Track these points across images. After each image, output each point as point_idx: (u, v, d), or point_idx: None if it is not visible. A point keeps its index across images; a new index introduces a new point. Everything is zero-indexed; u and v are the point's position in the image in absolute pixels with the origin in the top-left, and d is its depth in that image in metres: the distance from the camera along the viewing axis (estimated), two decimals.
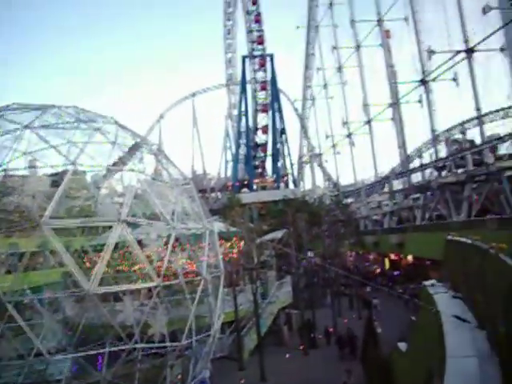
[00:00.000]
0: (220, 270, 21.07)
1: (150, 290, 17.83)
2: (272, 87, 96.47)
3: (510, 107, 63.33)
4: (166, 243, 17.92)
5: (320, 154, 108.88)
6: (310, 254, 53.31)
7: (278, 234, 43.61)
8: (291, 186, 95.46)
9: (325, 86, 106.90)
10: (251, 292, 32.87)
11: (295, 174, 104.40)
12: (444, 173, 63.82)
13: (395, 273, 62.83)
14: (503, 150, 62.99)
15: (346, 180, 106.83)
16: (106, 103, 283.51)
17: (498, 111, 62.63)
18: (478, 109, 59.79)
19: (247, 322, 35.15)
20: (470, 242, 10.27)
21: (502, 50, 63.12)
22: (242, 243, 35.54)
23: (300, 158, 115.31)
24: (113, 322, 16.91)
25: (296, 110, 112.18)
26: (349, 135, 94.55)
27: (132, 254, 18.86)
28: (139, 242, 18.01)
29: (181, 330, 18.32)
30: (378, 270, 68.07)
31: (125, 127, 19.50)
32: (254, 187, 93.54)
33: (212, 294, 19.79)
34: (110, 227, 16.28)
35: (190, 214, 20.19)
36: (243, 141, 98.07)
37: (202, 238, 20.02)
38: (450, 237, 14.25)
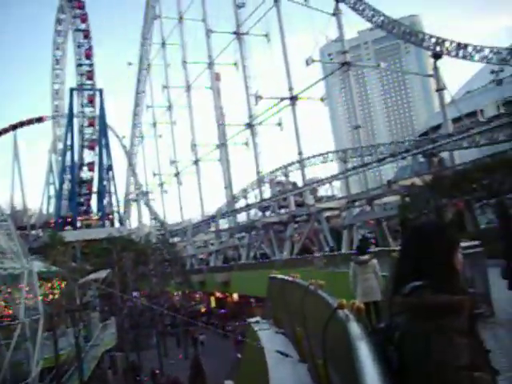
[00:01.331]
0: (39, 312, 19.92)
1: None
2: (100, 123, 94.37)
3: (328, 152, 67.72)
4: None
5: (147, 192, 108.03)
6: (135, 293, 52.25)
7: (103, 274, 42.27)
8: (117, 224, 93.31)
9: (154, 124, 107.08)
10: (73, 335, 31.34)
11: (121, 212, 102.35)
12: (268, 213, 66.41)
13: (221, 311, 63.54)
14: (322, 192, 67.18)
15: (173, 219, 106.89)
16: None
17: (318, 156, 66.66)
18: (300, 153, 63.29)
19: (69, 366, 33.35)
20: (290, 279, 10.70)
21: (322, 99, 67.75)
22: (64, 284, 33.96)
23: (127, 195, 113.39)
24: None
25: (124, 146, 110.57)
26: (176, 174, 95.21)
27: None
28: None
29: None
30: (204, 309, 68.39)
31: None
32: (78, 225, 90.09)
33: (30, 338, 18.61)
34: None
35: (6, 253, 18.97)
36: (68, 176, 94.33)
37: (19, 278, 18.84)
38: (272, 274, 14.73)
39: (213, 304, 70.14)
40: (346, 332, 3.25)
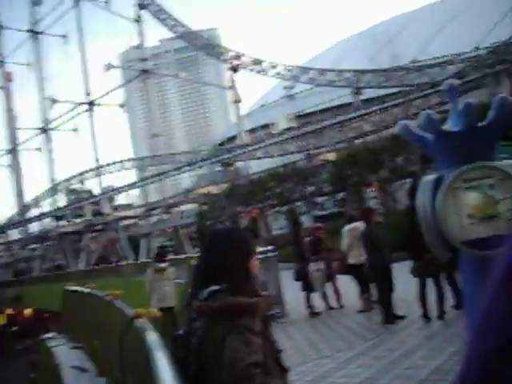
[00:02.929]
0: None
1: None
2: None
3: (126, 160, 66.84)
4: None
5: None
6: None
7: None
8: None
9: None
10: None
11: None
12: (63, 222, 63.89)
13: (13, 328, 59.73)
14: (120, 200, 66.16)
15: None
16: None
17: (115, 163, 65.38)
18: (97, 160, 61.78)
19: None
20: (86, 290, 10.36)
21: (121, 105, 66.85)
22: None
23: None
24: None
25: None
26: None
27: None
28: None
29: None
30: None
31: None
32: None
33: None
34: None
35: None
36: None
37: None
38: (67, 287, 14.16)
39: (3, 321, 65.61)
40: (143, 342, 3.19)
